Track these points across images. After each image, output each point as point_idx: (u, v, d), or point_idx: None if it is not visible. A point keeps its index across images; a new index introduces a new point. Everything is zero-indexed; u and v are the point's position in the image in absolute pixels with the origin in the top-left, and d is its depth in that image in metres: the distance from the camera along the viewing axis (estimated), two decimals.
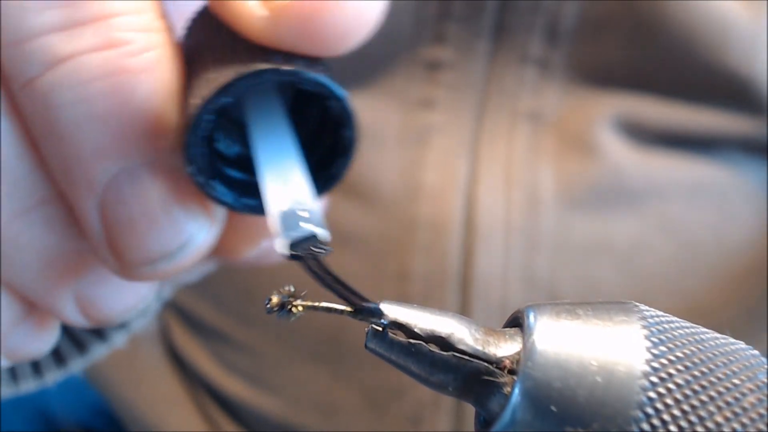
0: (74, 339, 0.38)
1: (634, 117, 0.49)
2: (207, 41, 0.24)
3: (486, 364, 0.19)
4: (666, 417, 0.17)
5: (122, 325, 0.38)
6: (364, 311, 0.20)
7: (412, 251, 0.49)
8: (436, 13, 0.49)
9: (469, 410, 0.50)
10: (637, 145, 0.49)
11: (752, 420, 0.17)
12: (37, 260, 0.24)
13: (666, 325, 0.19)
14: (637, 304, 0.20)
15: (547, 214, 0.49)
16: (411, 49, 0.49)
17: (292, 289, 0.21)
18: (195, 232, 0.24)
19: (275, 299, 0.21)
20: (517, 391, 0.19)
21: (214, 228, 0.25)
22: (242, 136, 0.26)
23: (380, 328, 0.20)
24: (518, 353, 0.19)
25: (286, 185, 0.23)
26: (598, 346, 0.19)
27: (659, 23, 0.47)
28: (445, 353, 0.20)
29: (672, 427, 0.17)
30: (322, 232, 0.22)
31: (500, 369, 0.19)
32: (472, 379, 0.20)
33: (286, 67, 0.22)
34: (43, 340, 0.28)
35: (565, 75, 0.49)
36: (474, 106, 0.50)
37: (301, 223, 0.22)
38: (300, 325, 0.53)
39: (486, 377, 0.20)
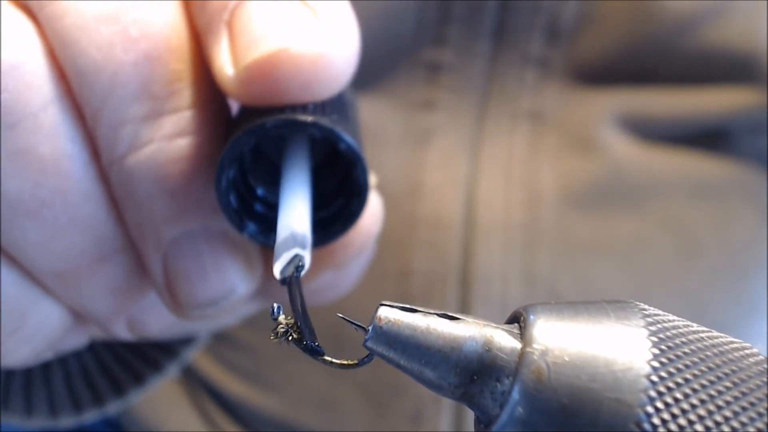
0: (132, 372, 0.43)
1: (637, 111, 0.49)
2: (237, 116, 0.28)
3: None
4: (666, 416, 0.17)
5: (175, 356, 0.42)
6: None
7: (413, 248, 0.49)
8: (437, 16, 0.49)
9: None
10: (640, 141, 0.49)
11: (751, 419, 0.17)
12: (106, 293, 0.29)
13: (666, 324, 0.19)
14: (638, 303, 0.20)
15: (548, 212, 0.49)
16: (412, 52, 0.50)
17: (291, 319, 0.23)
18: (238, 284, 0.29)
19: (281, 330, 0.23)
20: (516, 390, 0.19)
21: (254, 280, 0.30)
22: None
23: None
24: (518, 352, 0.19)
25: (291, 219, 0.26)
26: (598, 345, 0.18)
27: (657, 8, 0.47)
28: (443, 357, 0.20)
29: (672, 426, 0.17)
30: (303, 253, 0.25)
31: (499, 369, 0.19)
32: (471, 380, 0.20)
33: (263, 121, 0.25)
34: (81, 340, 0.33)
35: (565, 73, 0.49)
36: (475, 107, 0.50)
37: (290, 248, 0.25)
38: None
39: (485, 377, 0.19)
